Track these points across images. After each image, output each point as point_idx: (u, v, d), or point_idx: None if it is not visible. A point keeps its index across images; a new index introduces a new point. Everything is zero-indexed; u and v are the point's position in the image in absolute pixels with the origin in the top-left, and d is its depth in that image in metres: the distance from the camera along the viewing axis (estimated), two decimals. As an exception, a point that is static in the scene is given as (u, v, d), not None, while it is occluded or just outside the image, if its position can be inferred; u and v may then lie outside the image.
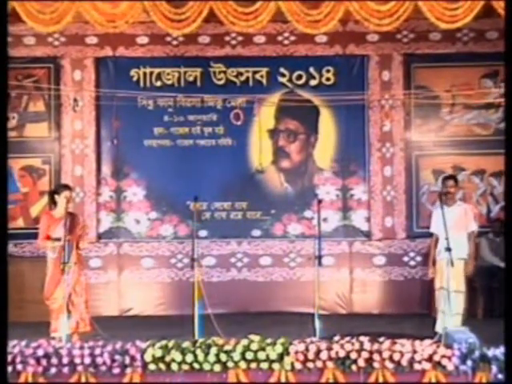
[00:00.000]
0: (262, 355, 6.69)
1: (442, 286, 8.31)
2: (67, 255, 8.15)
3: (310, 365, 6.69)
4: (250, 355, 6.70)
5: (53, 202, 8.75)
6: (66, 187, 8.80)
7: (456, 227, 8.17)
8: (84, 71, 11.50)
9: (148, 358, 6.74)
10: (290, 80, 11.55)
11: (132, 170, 11.56)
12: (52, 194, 8.79)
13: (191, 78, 11.57)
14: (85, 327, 8.51)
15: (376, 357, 6.63)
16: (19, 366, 6.68)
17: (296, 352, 6.71)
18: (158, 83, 11.56)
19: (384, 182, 11.50)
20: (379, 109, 11.50)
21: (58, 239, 8.35)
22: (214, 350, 6.73)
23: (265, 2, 8.60)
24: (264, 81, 11.57)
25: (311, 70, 11.53)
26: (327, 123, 11.57)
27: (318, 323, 7.82)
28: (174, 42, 11.48)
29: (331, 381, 6.64)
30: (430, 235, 8.87)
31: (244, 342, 6.82)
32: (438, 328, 8.24)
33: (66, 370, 6.71)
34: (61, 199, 8.58)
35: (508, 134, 7.34)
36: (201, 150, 11.54)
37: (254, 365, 6.70)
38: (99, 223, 11.52)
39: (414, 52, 11.47)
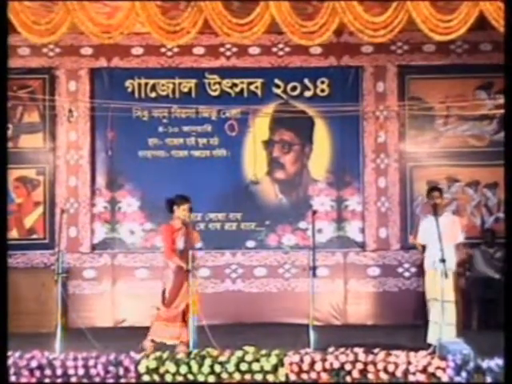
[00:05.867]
0: (256, 366, 6.68)
1: (435, 297, 8.30)
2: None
3: (305, 376, 6.68)
4: (244, 366, 6.69)
5: (170, 211, 8.79)
6: (186, 200, 8.77)
7: (444, 238, 8.16)
8: (79, 82, 11.51)
9: (142, 369, 6.73)
10: (284, 91, 11.58)
11: (126, 181, 11.57)
12: (171, 204, 8.78)
13: (186, 89, 11.59)
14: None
15: (370, 368, 6.62)
16: (13, 378, 6.66)
17: (290, 363, 6.70)
18: (153, 94, 11.58)
19: (378, 193, 11.52)
20: (374, 120, 11.52)
21: (181, 251, 8.47)
22: (208, 362, 6.72)
23: (259, 14, 8.62)
24: (259, 92, 11.59)
25: (306, 81, 11.56)
26: (322, 134, 11.60)
27: (312, 334, 7.80)
28: (169, 53, 11.51)
29: (326, 392, 6.64)
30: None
31: (238, 353, 6.81)
32: (431, 339, 8.23)
33: (59, 381, 6.69)
34: (179, 211, 8.64)
35: (507, 138, 7.30)
36: (195, 160, 11.55)
37: (248, 376, 6.68)
38: (93, 234, 11.51)
39: (409, 63, 11.51)
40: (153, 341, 8.50)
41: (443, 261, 7.90)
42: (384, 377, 6.60)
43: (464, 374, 6.51)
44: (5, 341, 6.45)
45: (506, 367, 6.26)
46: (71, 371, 6.72)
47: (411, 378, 6.58)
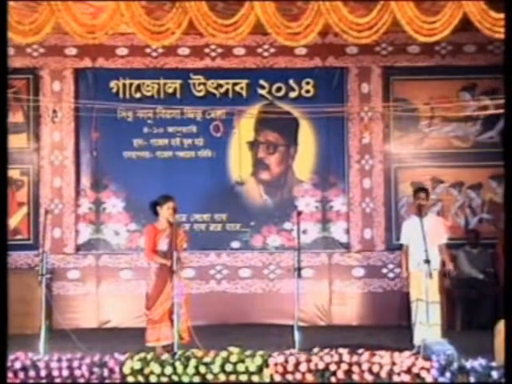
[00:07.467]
0: (241, 367, 6.69)
1: (420, 298, 8.32)
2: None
3: (289, 377, 6.69)
4: (229, 367, 6.70)
5: (155, 214, 8.67)
6: (168, 198, 8.64)
7: (428, 239, 8.19)
8: (63, 82, 11.47)
9: (127, 370, 6.72)
10: (269, 92, 11.58)
11: (111, 182, 11.53)
12: (154, 205, 8.70)
13: (171, 90, 11.58)
14: (186, 338, 8.30)
15: (355, 369, 6.64)
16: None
17: (275, 364, 6.72)
18: (138, 95, 11.55)
19: (363, 193, 11.54)
20: (358, 121, 11.54)
21: (165, 252, 8.37)
22: (193, 362, 6.73)
23: (244, 14, 8.60)
24: (244, 93, 11.59)
25: (291, 82, 11.57)
26: (307, 135, 11.61)
27: (297, 335, 7.79)
28: (154, 54, 11.48)
29: (310, 393, 6.65)
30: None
31: (223, 354, 6.82)
32: (417, 340, 8.24)
33: (43, 382, 6.67)
34: (163, 210, 8.54)
35: (507, 138, 7.30)
36: (180, 161, 11.54)
37: (233, 377, 6.70)
38: (78, 235, 11.47)
39: (393, 65, 11.54)
40: (156, 346, 8.21)
41: (428, 261, 7.93)
42: (369, 377, 6.63)
43: (448, 375, 6.54)
44: (4, 342, 6.42)
45: (506, 367, 6.28)
46: (55, 372, 6.71)
47: (396, 379, 6.61)
